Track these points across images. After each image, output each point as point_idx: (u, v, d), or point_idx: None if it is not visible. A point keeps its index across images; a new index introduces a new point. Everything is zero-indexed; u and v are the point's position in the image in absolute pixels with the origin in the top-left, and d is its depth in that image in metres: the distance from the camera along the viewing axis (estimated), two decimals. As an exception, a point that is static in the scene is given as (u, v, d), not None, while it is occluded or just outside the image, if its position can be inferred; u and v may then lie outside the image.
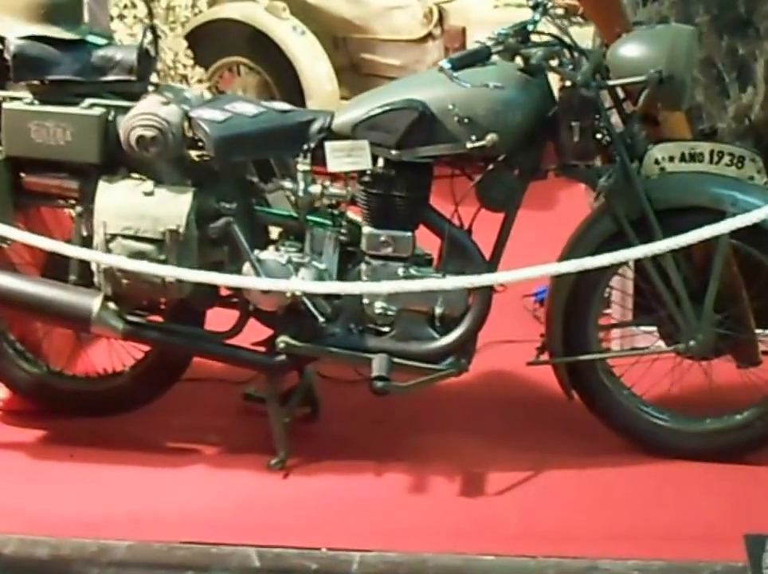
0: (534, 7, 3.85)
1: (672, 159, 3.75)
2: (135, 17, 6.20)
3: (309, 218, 3.86)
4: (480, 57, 3.56)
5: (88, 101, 3.81)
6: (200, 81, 6.24)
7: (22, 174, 3.89)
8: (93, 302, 3.84)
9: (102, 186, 3.80)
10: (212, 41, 6.37)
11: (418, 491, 3.86)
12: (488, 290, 3.82)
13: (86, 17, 4.75)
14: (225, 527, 3.68)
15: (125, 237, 3.75)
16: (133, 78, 3.86)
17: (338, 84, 6.34)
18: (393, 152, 3.69)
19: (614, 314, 4.43)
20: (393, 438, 4.14)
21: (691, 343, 3.81)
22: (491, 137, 3.61)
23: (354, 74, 6.54)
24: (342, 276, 3.88)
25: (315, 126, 3.80)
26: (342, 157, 3.72)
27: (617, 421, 3.98)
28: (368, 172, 3.74)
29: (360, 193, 3.80)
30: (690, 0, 4.30)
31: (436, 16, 6.33)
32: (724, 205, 3.65)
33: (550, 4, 3.85)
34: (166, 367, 4.13)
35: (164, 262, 3.75)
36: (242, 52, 6.43)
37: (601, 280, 3.84)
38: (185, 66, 6.21)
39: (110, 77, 3.86)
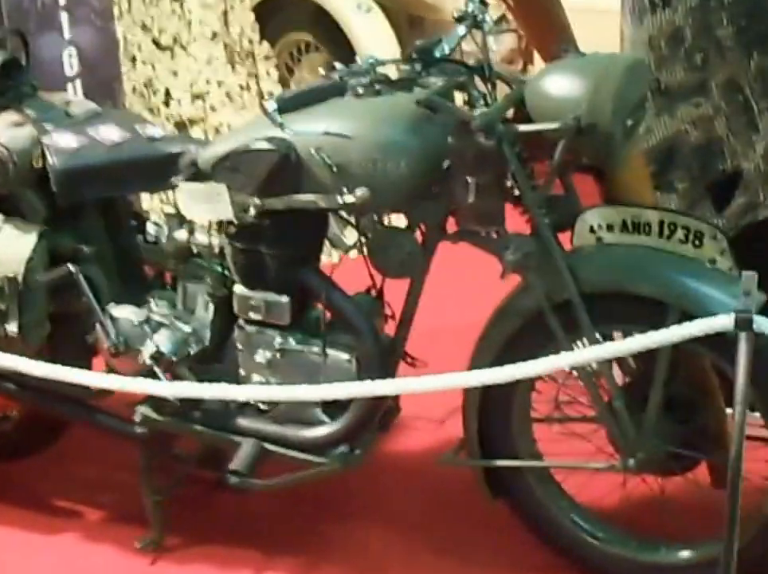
0: (460, 20, 2.77)
1: (610, 227, 2.62)
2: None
3: (184, 267, 2.94)
4: (326, 95, 2.50)
5: None
6: (267, 58, 5.32)
7: None
8: None
9: (-54, 218, 2.98)
10: (279, 15, 5.42)
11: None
12: (387, 367, 2.82)
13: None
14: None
15: None
16: None
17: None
18: (255, 201, 2.70)
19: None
20: (304, 522, 3.18)
21: (630, 461, 2.71)
22: (360, 193, 2.58)
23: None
24: (220, 338, 2.94)
25: (186, 159, 2.86)
26: (200, 203, 2.76)
27: (550, 538, 2.93)
28: (234, 222, 2.76)
29: (227, 246, 2.83)
30: (710, 7, 3.07)
31: (509, -1, 5.20)
32: (669, 297, 2.53)
33: (481, 16, 2.76)
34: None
35: (4, 312, 2.92)
36: (306, 28, 5.46)
37: (523, 370, 2.75)
38: (251, 42, 5.29)
39: None
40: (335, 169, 2.59)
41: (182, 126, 5.10)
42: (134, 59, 5.11)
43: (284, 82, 5.47)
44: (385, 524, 3.15)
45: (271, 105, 2.41)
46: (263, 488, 2.87)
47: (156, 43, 5.14)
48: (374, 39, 5.21)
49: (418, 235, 2.76)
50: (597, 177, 2.76)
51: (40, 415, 3.30)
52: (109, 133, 2.93)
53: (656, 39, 3.13)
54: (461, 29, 2.76)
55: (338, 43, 5.26)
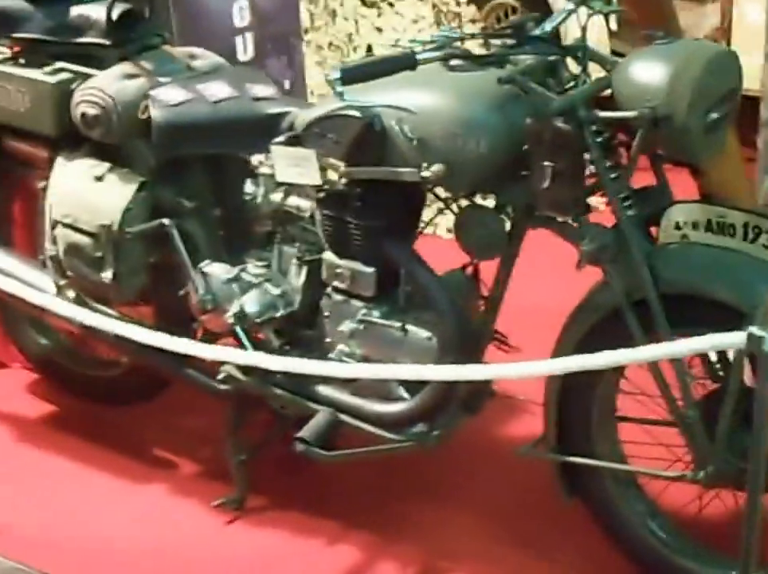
0: (572, -7, 2.66)
1: (695, 225, 2.47)
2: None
3: (282, 229, 2.95)
4: (394, 67, 2.43)
5: (57, 65, 3.06)
6: (472, 21, 5.26)
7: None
8: (50, 287, 3.15)
9: (59, 162, 3.09)
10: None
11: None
12: (471, 349, 2.76)
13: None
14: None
15: (65, 225, 3.03)
16: (106, 42, 3.05)
17: (616, 37, 5.09)
18: (342, 169, 2.68)
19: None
20: (387, 497, 3.16)
21: (700, 474, 2.57)
22: (436, 168, 2.52)
23: (630, 30, 5.23)
24: (311, 303, 2.94)
25: (287, 120, 2.86)
26: (291, 166, 2.75)
27: (624, 543, 2.81)
28: (325, 188, 2.75)
29: (317, 211, 2.82)
30: None
31: (716, -25, 4.96)
32: (745, 305, 2.36)
33: (592, -11, 2.64)
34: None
35: (101, 260, 3.00)
36: (513, -7, 5.35)
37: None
38: (459, 3, 5.24)
39: (85, 39, 3.08)
40: (415, 142, 2.55)
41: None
42: (334, 13, 5.15)
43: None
44: (465, 509, 3.09)
45: (334, 74, 2.38)
46: (329, 459, 2.84)
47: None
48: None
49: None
50: (693, 171, 2.62)
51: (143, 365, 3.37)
52: (216, 90, 2.93)
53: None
54: (569, 6, 2.66)
55: (542, 10, 5.13)
